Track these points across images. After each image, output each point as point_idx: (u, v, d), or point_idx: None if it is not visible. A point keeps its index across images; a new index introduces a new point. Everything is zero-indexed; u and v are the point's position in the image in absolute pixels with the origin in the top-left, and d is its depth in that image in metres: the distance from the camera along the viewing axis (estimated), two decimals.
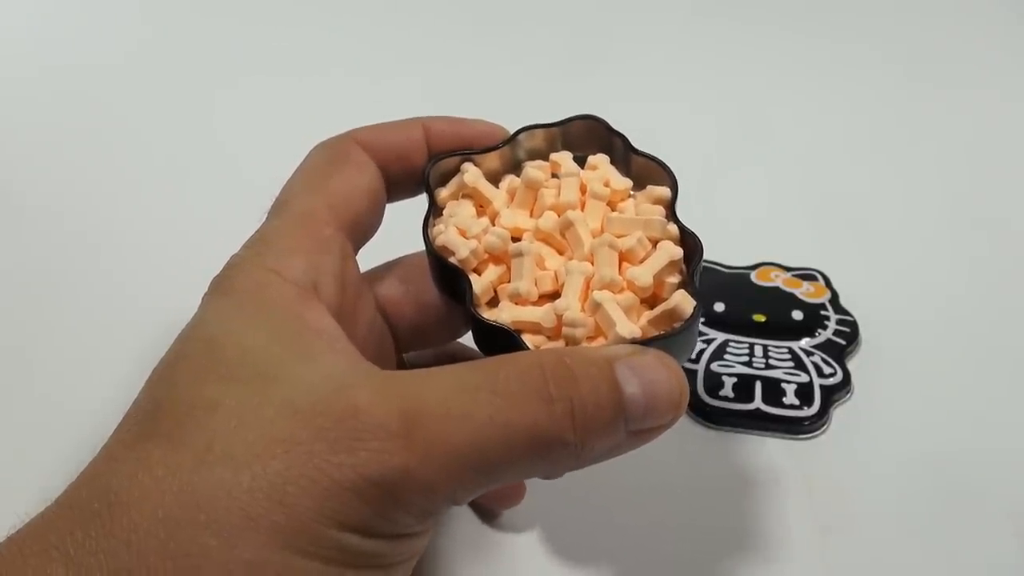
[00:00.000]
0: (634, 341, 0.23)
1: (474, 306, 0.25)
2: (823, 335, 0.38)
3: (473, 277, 0.26)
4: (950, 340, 0.38)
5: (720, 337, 0.38)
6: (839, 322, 0.38)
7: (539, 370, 0.20)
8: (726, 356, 0.37)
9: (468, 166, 0.28)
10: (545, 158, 0.28)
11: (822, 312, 0.39)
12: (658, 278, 0.25)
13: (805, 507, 0.32)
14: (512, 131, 0.28)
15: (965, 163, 0.49)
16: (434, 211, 0.28)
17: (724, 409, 0.35)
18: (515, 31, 0.60)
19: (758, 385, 0.35)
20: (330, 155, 0.27)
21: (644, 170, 0.28)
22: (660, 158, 0.27)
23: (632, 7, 0.62)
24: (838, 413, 0.35)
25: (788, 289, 0.40)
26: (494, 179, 0.28)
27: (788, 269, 0.41)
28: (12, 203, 0.47)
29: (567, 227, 0.26)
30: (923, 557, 0.31)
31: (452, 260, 0.26)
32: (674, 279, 0.25)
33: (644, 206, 0.27)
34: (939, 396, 0.36)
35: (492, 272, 0.26)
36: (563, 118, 0.28)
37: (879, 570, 0.30)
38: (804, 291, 0.40)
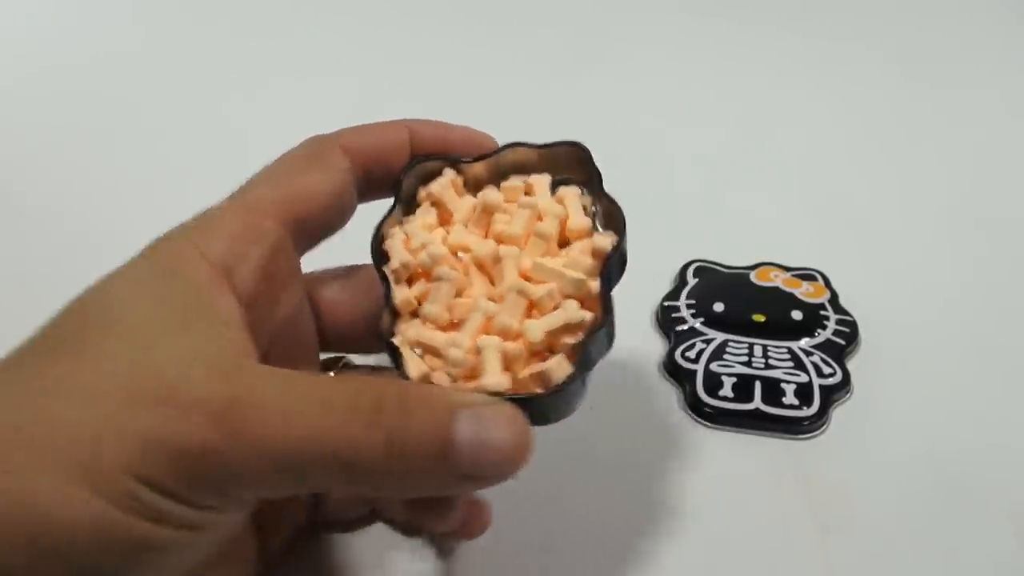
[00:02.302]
0: (497, 393, 0.24)
1: (385, 316, 0.26)
2: (822, 335, 0.38)
3: (400, 288, 0.26)
4: (950, 340, 0.38)
5: (719, 337, 0.38)
6: (838, 322, 0.38)
7: (375, 395, 0.22)
8: (725, 356, 0.37)
9: (446, 173, 0.28)
10: (532, 173, 0.28)
11: (821, 312, 0.39)
12: (552, 336, 0.25)
13: (805, 507, 0.32)
14: (500, 138, 0.29)
15: (965, 163, 0.49)
16: (402, 210, 0.28)
17: (724, 409, 0.35)
18: (515, 32, 0.60)
19: (757, 385, 0.35)
20: (306, 151, 0.28)
21: (611, 210, 0.27)
22: (618, 203, 0.27)
23: (632, 7, 0.62)
24: (837, 413, 0.35)
25: (788, 289, 0.40)
26: (478, 187, 0.28)
27: (788, 269, 0.41)
28: (12, 203, 0.47)
29: (497, 261, 0.26)
30: (923, 557, 0.31)
31: (384, 268, 0.27)
32: (571, 339, 0.25)
33: (578, 256, 0.26)
34: (939, 396, 0.36)
35: (421, 287, 0.27)
36: (551, 141, 0.28)
37: (879, 570, 0.30)
38: (803, 291, 0.40)
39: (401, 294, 0.26)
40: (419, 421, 0.22)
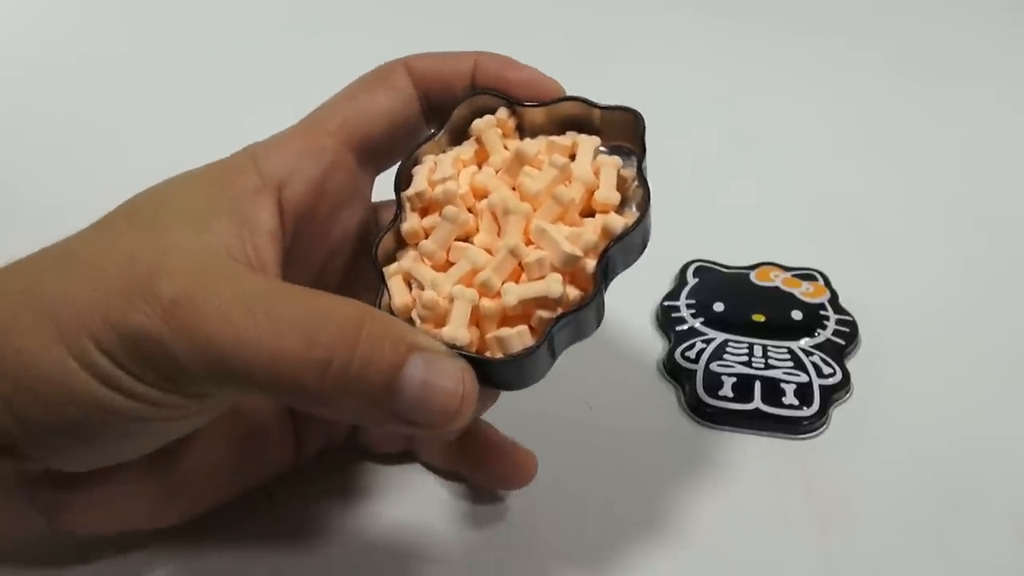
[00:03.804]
0: (452, 346, 0.24)
1: (389, 239, 0.26)
2: (822, 335, 0.38)
3: (412, 216, 0.27)
4: (949, 340, 0.38)
5: (719, 337, 0.38)
6: (838, 322, 0.38)
7: (328, 318, 0.22)
8: (725, 356, 0.37)
9: (499, 112, 0.27)
10: (588, 131, 0.27)
11: (821, 312, 0.39)
12: (527, 306, 0.24)
13: (805, 507, 0.32)
14: (564, 89, 0.28)
15: (964, 163, 0.49)
16: (448, 139, 0.28)
17: (723, 409, 0.35)
18: (513, 32, 0.60)
19: (757, 385, 0.35)
20: (373, 75, 0.29)
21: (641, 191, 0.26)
22: (650, 191, 0.26)
23: (632, 6, 0.62)
24: (837, 413, 0.35)
25: (787, 289, 0.40)
26: (534, 134, 0.28)
27: (787, 269, 0.41)
28: (13, 203, 0.46)
29: (505, 214, 0.25)
30: (923, 557, 0.31)
31: (403, 193, 0.27)
32: (546, 314, 0.24)
33: (586, 231, 0.25)
34: (938, 396, 0.36)
35: (433, 220, 0.26)
36: (611, 104, 0.27)
37: (879, 570, 0.30)
38: (803, 291, 0.40)
39: (410, 223, 0.26)
40: (366, 350, 0.22)
